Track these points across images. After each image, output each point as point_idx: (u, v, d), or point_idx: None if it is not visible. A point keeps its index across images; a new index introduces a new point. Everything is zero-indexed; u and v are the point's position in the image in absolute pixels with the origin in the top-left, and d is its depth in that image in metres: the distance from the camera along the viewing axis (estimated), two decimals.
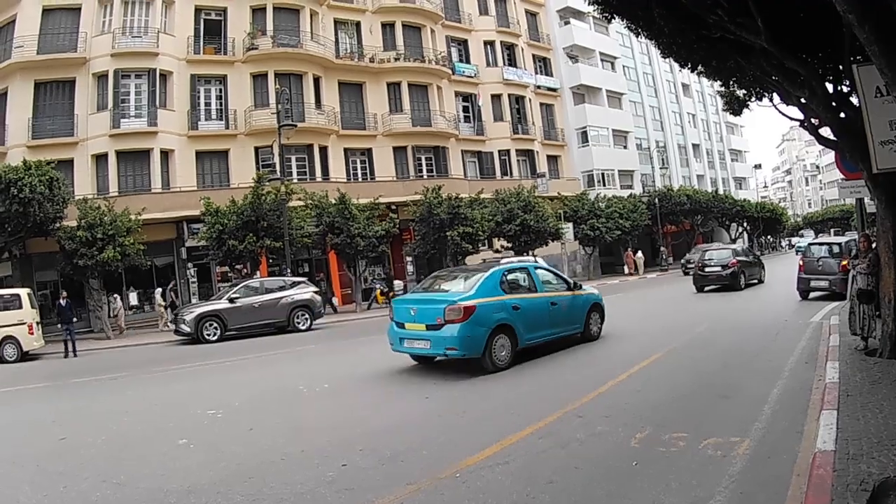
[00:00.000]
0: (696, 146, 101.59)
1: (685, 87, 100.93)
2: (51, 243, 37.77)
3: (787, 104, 19.69)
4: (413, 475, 8.96)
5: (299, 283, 35.73)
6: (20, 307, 30.02)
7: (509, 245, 53.80)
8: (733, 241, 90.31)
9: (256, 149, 49.77)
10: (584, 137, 76.22)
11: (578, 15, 76.94)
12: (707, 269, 38.84)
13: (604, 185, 74.91)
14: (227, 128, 49.83)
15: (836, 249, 30.05)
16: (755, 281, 40.58)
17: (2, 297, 30.82)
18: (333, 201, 43.73)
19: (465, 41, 67.61)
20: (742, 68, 17.58)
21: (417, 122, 58.44)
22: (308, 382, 17.55)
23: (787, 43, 13.44)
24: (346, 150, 55.41)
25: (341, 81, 55.80)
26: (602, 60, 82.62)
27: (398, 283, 49.61)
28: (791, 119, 21.61)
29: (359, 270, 46.38)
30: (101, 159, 44.96)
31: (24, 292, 31.27)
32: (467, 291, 17.22)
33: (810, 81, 15.02)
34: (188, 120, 48.13)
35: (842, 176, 22.16)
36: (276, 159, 42.48)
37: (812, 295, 29.90)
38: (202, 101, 49.99)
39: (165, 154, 46.68)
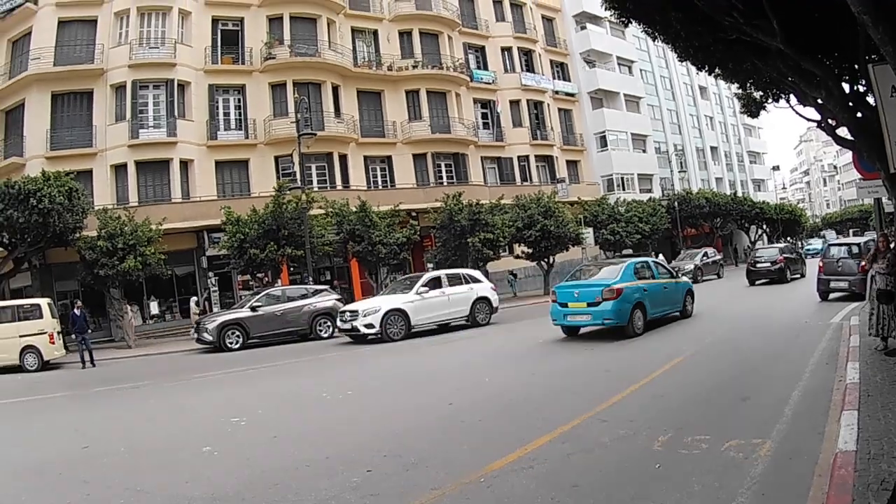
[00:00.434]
0: (714, 149, 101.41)
1: (702, 89, 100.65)
2: (70, 253, 37.85)
3: (804, 105, 19.89)
4: (437, 480, 8.98)
5: (321, 290, 35.64)
6: (41, 317, 30.08)
7: (530, 251, 53.65)
8: (753, 243, 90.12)
9: (276, 158, 49.94)
10: (603, 142, 76.32)
11: (595, 20, 76.84)
12: (758, 265, 43.62)
13: (623, 189, 74.82)
14: (246, 137, 49.99)
15: (854, 250, 30.16)
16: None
17: (22, 306, 30.92)
18: (354, 209, 43.75)
19: (483, 48, 67.62)
20: (758, 70, 17.69)
21: (436, 129, 58.58)
22: (331, 389, 17.64)
23: (802, 44, 13.49)
24: (365, 157, 55.53)
25: (360, 90, 55.95)
26: (619, 64, 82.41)
27: None
28: (808, 120, 21.75)
29: (380, 278, 46.37)
30: (120, 169, 45.11)
31: (44, 302, 31.29)
32: (615, 278, 23.53)
33: (826, 82, 15.02)
34: (207, 130, 48.29)
35: (859, 176, 22.25)
36: (297, 168, 42.40)
37: (832, 296, 29.91)
38: (221, 110, 50.13)
39: (185, 164, 46.82)
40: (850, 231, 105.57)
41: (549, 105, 71.74)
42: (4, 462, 12.13)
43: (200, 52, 48.79)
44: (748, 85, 21.48)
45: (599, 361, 18.82)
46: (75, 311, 30.81)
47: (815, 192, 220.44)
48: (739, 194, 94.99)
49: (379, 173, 56.91)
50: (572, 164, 74.42)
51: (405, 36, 59.68)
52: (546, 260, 54.27)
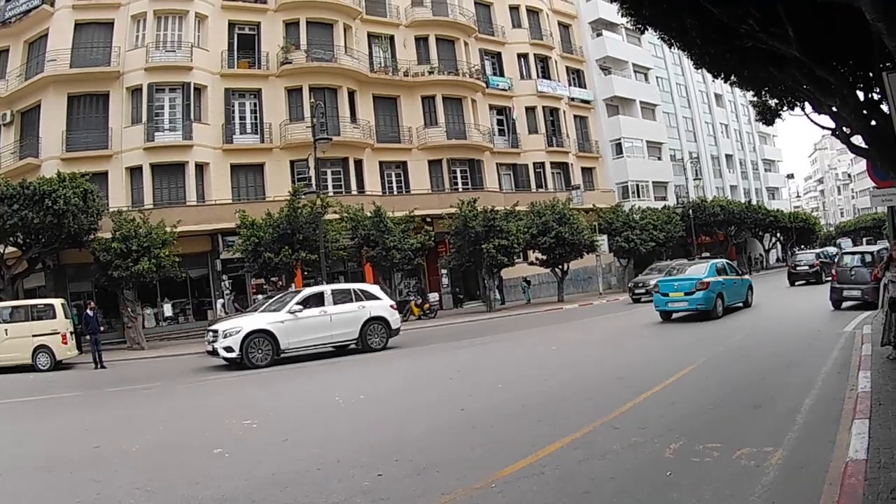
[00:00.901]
0: (728, 157, 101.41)
1: (718, 97, 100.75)
2: (84, 255, 38.13)
3: (819, 113, 20.04)
4: (448, 486, 9.00)
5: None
6: (54, 317, 30.32)
7: (544, 257, 53.58)
8: (766, 252, 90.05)
9: (292, 162, 50.03)
10: (619, 149, 76.39)
11: (611, 26, 77.09)
12: (798, 268, 49.61)
13: (638, 196, 74.98)
14: (262, 141, 50.16)
15: (868, 258, 30.18)
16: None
17: (36, 306, 31.19)
18: (369, 214, 44.05)
19: (499, 54, 67.72)
20: (774, 78, 17.87)
21: (452, 135, 58.57)
22: (344, 393, 17.71)
23: (817, 52, 13.67)
24: (381, 163, 55.63)
25: (376, 95, 56.07)
26: (635, 72, 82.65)
27: (433, 296, 49.67)
28: (823, 128, 22.02)
29: (395, 283, 46.52)
30: (135, 172, 45.32)
31: (58, 302, 31.54)
32: (704, 274, 30.85)
33: (841, 90, 15.17)
34: (223, 133, 48.47)
35: (873, 184, 22.18)
36: (312, 173, 42.52)
37: (844, 304, 29.83)
38: (237, 114, 50.39)
39: (200, 167, 47.00)
40: (864, 240, 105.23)
41: (564, 112, 71.76)
42: (17, 460, 12.24)
43: (217, 56, 49.02)
44: (763, 93, 21.70)
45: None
46: (88, 311, 30.87)
47: (829, 201, 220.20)
48: (754, 202, 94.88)
49: (394, 179, 57.01)
50: (587, 171, 74.45)
51: (421, 42, 59.79)
52: (560, 267, 54.29)
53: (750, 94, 24.87)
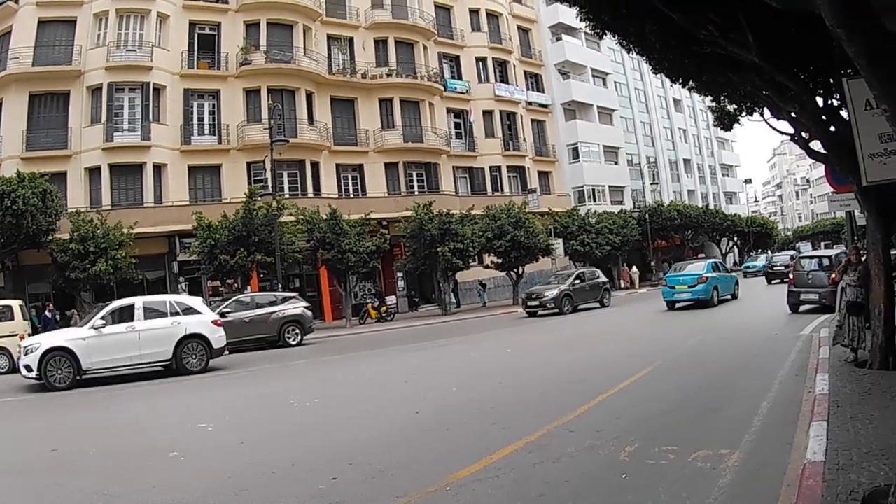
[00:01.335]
0: (686, 161, 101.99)
1: (676, 102, 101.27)
2: (43, 255, 37.80)
3: (778, 118, 19.77)
4: (403, 489, 9.03)
5: (290, 298, 35.84)
6: (12, 318, 29.85)
7: (499, 261, 53.80)
8: (724, 255, 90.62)
9: (249, 164, 49.88)
10: (575, 153, 76.55)
11: (571, 31, 77.05)
12: (775, 269, 55.57)
13: (594, 200, 75.15)
14: (219, 143, 50.00)
15: (825, 262, 30.43)
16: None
17: None
18: (324, 217, 43.87)
19: (458, 57, 67.71)
20: (733, 83, 17.64)
21: (409, 138, 58.63)
22: (298, 397, 17.65)
23: (777, 58, 13.56)
24: (337, 165, 55.56)
25: (334, 97, 56.01)
26: (594, 76, 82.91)
27: (390, 299, 49.82)
28: (782, 133, 21.81)
29: (349, 286, 46.49)
30: (94, 172, 45.02)
31: (16, 304, 31.01)
32: (703, 270, 38.57)
33: (801, 96, 15.11)
34: (181, 134, 48.30)
35: (832, 189, 22.50)
36: (268, 174, 42.72)
37: (802, 308, 30.11)
38: (195, 115, 50.13)
39: (158, 168, 46.79)
40: (822, 244, 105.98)
41: (522, 116, 71.99)
42: None
43: (177, 56, 48.84)
44: (722, 98, 21.36)
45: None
46: (46, 313, 30.84)
47: (788, 206, 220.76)
48: (711, 207, 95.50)
49: (350, 181, 56.94)
50: (544, 175, 74.60)
51: (380, 44, 59.71)
52: (516, 270, 54.55)
53: (708, 100, 24.79)
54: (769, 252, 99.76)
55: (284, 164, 49.18)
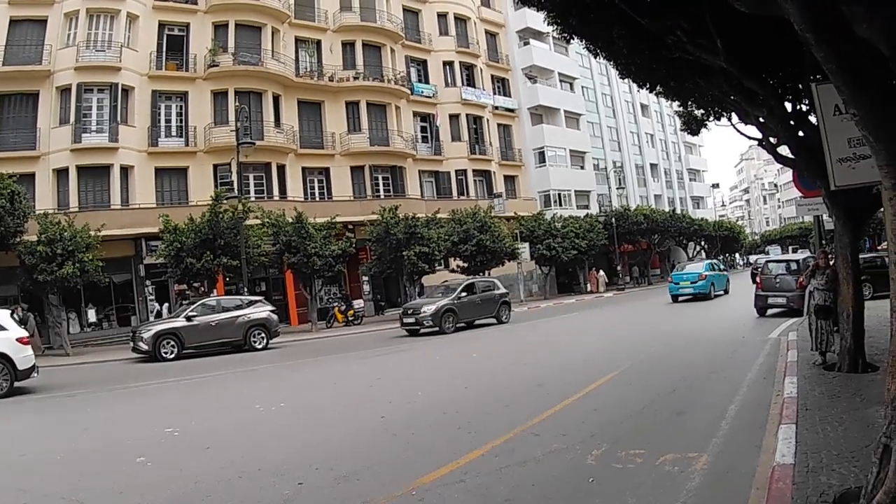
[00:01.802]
0: (653, 166, 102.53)
1: (644, 107, 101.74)
2: (10, 258, 37.26)
3: (746, 123, 19.79)
4: (368, 493, 9.08)
5: (256, 301, 35.75)
6: None
7: (465, 265, 54.00)
8: (691, 259, 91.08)
9: (215, 166, 49.84)
10: (542, 158, 76.72)
11: (538, 35, 77.45)
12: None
13: (560, 205, 75.44)
14: (186, 145, 49.87)
15: (793, 266, 30.66)
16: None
17: None
18: (290, 220, 43.77)
19: (425, 61, 67.92)
20: (700, 88, 17.54)
21: (375, 141, 58.79)
22: (264, 401, 17.67)
23: (746, 63, 13.52)
24: (303, 168, 55.67)
25: (301, 100, 56.10)
26: (561, 81, 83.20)
27: (358, 303, 49.86)
28: (749, 138, 21.86)
29: (315, 290, 46.45)
30: (62, 174, 44.79)
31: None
32: (702, 269, 46.37)
33: (769, 101, 15.06)
34: (148, 136, 48.13)
35: (800, 194, 22.58)
36: (234, 177, 42.73)
37: (769, 311, 30.41)
38: (163, 117, 49.94)
39: (125, 170, 46.62)
40: (790, 248, 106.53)
41: (488, 120, 72.22)
42: None
43: (146, 57, 48.66)
44: (689, 103, 21.23)
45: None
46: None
47: (755, 210, 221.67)
48: (678, 211, 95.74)
49: (316, 185, 57.01)
50: (510, 180, 74.90)
51: (348, 47, 59.84)
52: (481, 274, 54.33)
53: (676, 104, 24.86)
54: (737, 255, 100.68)
55: (251, 167, 49.21)
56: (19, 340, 22.12)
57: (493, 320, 39.96)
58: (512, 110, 76.78)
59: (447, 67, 69.08)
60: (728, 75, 14.64)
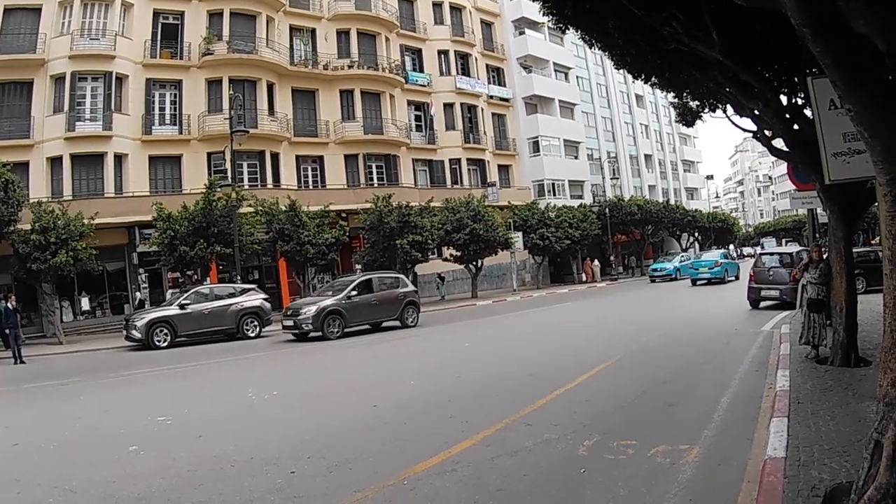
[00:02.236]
0: (648, 156, 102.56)
1: (639, 97, 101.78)
2: (4, 247, 37.26)
3: (741, 115, 19.46)
4: (361, 482, 9.05)
5: (249, 290, 35.82)
6: None
7: (458, 254, 54.15)
8: (685, 251, 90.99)
9: (209, 154, 49.75)
10: (536, 147, 76.75)
11: (534, 25, 77.47)
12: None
13: (554, 194, 75.39)
14: (180, 133, 49.78)
15: (786, 259, 30.77)
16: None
17: None
18: (284, 208, 43.87)
19: (420, 50, 67.92)
20: (696, 80, 17.31)
21: (369, 129, 58.71)
22: (257, 390, 17.64)
23: (742, 55, 13.42)
24: (297, 157, 55.65)
25: (295, 88, 56.07)
26: (556, 71, 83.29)
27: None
28: (744, 130, 21.57)
29: (308, 278, 46.53)
30: (55, 162, 44.69)
31: None
32: (718, 258, 55.49)
33: (764, 94, 14.93)
34: (142, 124, 48.00)
35: (794, 187, 22.45)
36: (228, 165, 42.60)
37: (762, 304, 30.44)
38: (157, 105, 49.83)
39: (119, 158, 46.53)
40: (784, 241, 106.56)
41: (482, 109, 72.20)
42: None
43: (140, 46, 48.45)
44: (685, 94, 20.86)
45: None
46: (7, 305, 30.65)
47: (749, 202, 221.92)
48: (672, 202, 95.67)
49: (310, 173, 57.04)
50: (504, 169, 75.00)
51: (343, 35, 59.85)
52: (474, 263, 54.90)
53: (671, 96, 24.73)
54: (731, 247, 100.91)
55: (244, 155, 49.23)
56: None
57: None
58: (506, 100, 76.69)
59: (442, 56, 69.08)
60: (724, 68, 14.48)
